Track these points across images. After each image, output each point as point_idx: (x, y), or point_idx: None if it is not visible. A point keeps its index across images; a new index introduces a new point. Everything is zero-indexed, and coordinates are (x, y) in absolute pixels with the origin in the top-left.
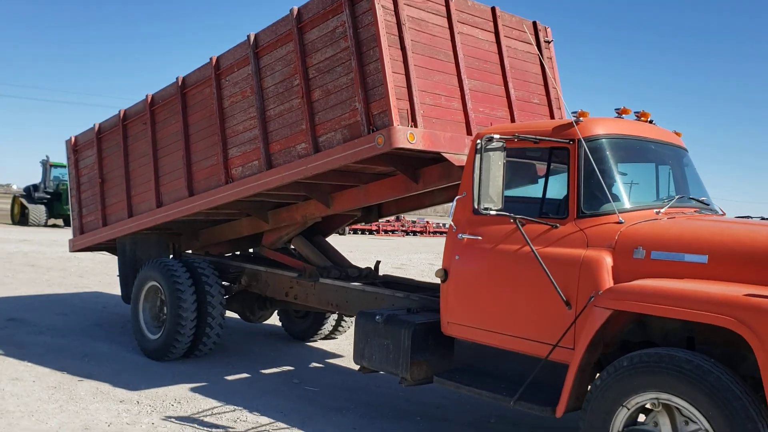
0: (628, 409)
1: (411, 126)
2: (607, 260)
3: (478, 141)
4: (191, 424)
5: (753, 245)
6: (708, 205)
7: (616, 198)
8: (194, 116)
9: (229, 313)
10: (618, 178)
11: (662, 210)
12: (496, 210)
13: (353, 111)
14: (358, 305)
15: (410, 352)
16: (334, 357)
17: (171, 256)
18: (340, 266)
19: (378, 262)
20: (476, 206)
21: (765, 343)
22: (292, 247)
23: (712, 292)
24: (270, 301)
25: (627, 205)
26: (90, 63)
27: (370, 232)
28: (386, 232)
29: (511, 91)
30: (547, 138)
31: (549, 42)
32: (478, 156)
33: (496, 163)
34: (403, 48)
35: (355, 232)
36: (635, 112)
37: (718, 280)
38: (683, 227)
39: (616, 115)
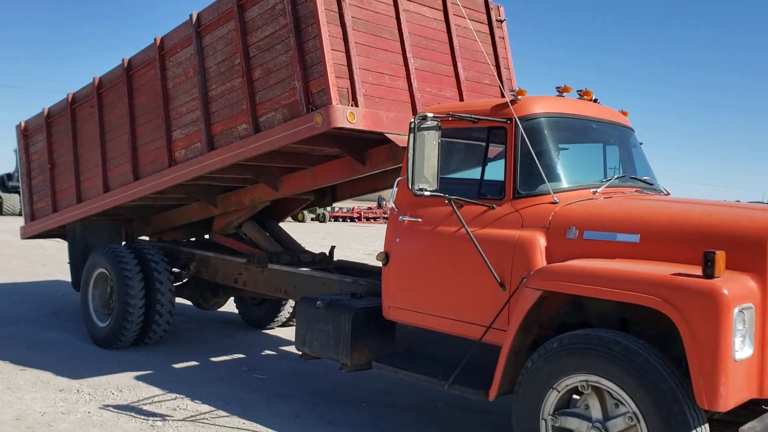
0: (559, 392)
1: (351, 105)
2: (541, 241)
3: (412, 120)
4: (128, 413)
5: (684, 223)
6: (651, 185)
7: (552, 178)
8: (140, 99)
9: (185, 301)
10: (556, 158)
11: (599, 190)
12: (431, 191)
13: (292, 90)
14: (306, 291)
15: (350, 337)
16: (287, 344)
17: (123, 242)
18: (292, 251)
19: (333, 247)
20: (410, 187)
21: (690, 322)
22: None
23: (638, 272)
24: (223, 288)
25: (564, 185)
26: (56, 46)
27: (352, 219)
28: (368, 219)
29: (461, 71)
30: (485, 117)
31: (501, 21)
32: (411, 135)
33: (430, 143)
34: (343, 25)
35: (336, 219)
36: (577, 91)
37: (650, 260)
38: (617, 207)
39: (557, 93)
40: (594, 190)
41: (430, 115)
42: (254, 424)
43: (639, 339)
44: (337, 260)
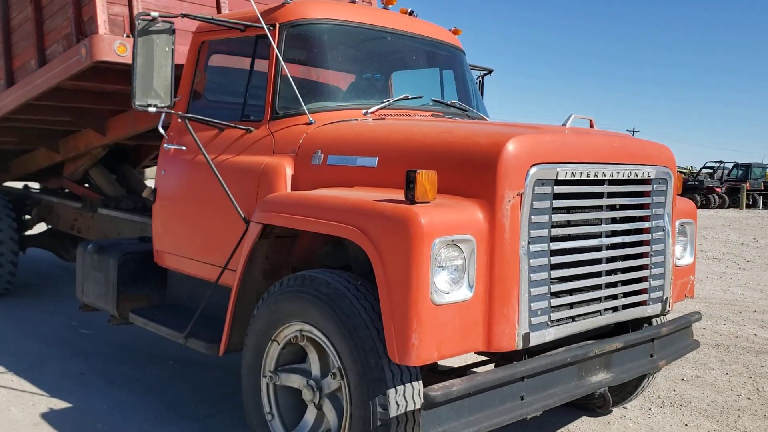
0: (279, 344)
1: (126, 36)
2: (287, 168)
3: (137, 21)
4: None
5: (417, 143)
6: (465, 110)
7: (315, 95)
8: None
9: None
10: (323, 71)
11: (371, 110)
12: (164, 107)
13: (68, 19)
14: (130, 236)
15: (117, 285)
16: None
17: None
18: (139, 196)
19: None
20: (133, 103)
21: (382, 256)
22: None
23: (342, 199)
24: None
25: (327, 104)
26: None
27: None
28: None
29: None
30: (249, 24)
31: None
32: (135, 40)
33: (161, 49)
34: None
35: None
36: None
37: (387, 187)
38: (365, 128)
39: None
40: (366, 110)
41: (156, 14)
42: (23, 381)
43: (358, 280)
44: None
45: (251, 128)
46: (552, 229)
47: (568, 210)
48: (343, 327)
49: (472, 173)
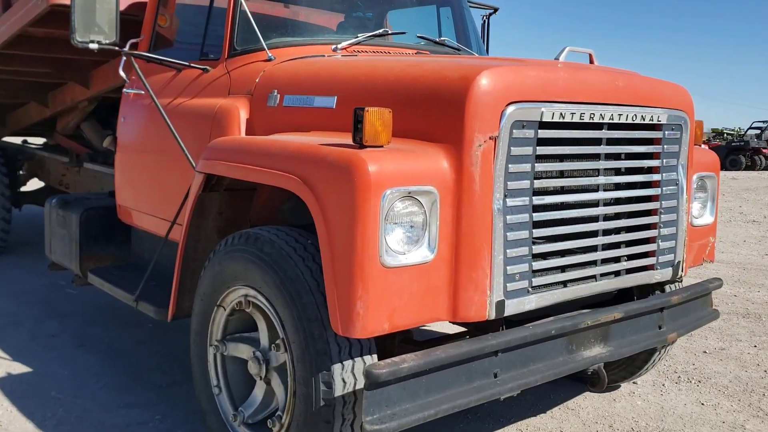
0: (225, 310)
1: None
2: (242, 111)
3: None
4: None
5: (379, 79)
6: (458, 50)
7: (282, 31)
8: None
9: None
10: (313, 10)
11: (343, 45)
12: (108, 43)
13: None
14: None
15: (79, 242)
16: None
17: None
18: None
19: None
20: (73, 39)
21: (324, 209)
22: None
23: (284, 144)
24: None
25: (290, 38)
26: None
27: None
28: None
29: None
30: None
31: None
32: None
33: None
34: None
35: None
36: None
37: (348, 131)
38: (327, 63)
39: None
40: (336, 46)
41: None
42: None
43: (309, 239)
44: None
45: (208, 67)
46: (535, 181)
47: (556, 158)
48: (285, 292)
49: (438, 113)
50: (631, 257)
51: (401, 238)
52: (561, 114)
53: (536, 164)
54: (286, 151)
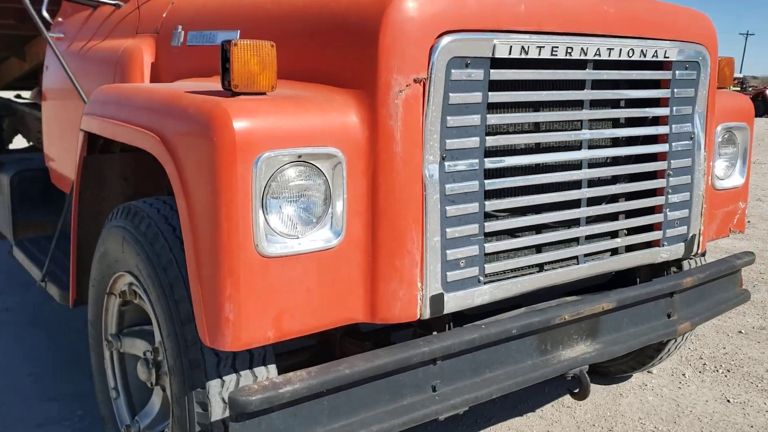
0: (117, 298)
1: None
2: (146, 54)
3: None
4: None
5: (290, 6)
6: None
7: None
8: None
9: None
10: None
11: None
12: None
13: None
14: None
15: (12, 208)
16: None
17: None
18: None
19: None
20: None
21: (184, 177)
22: None
23: (152, 92)
24: None
25: None
26: None
27: None
28: None
29: None
30: None
31: None
32: None
33: None
34: None
35: None
36: None
37: None
38: None
39: None
40: None
41: None
42: None
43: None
44: None
45: (120, 3)
46: (488, 138)
47: (520, 107)
48: (158, 282)
49: (346, 47)
50: (630, 232)
51: (290, 218)
52: (523, 48)
53: (488, 116)
54: (150, 102)
